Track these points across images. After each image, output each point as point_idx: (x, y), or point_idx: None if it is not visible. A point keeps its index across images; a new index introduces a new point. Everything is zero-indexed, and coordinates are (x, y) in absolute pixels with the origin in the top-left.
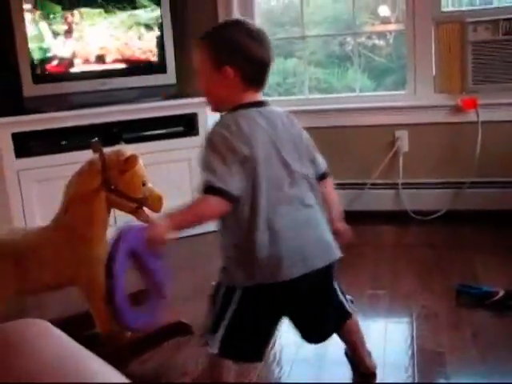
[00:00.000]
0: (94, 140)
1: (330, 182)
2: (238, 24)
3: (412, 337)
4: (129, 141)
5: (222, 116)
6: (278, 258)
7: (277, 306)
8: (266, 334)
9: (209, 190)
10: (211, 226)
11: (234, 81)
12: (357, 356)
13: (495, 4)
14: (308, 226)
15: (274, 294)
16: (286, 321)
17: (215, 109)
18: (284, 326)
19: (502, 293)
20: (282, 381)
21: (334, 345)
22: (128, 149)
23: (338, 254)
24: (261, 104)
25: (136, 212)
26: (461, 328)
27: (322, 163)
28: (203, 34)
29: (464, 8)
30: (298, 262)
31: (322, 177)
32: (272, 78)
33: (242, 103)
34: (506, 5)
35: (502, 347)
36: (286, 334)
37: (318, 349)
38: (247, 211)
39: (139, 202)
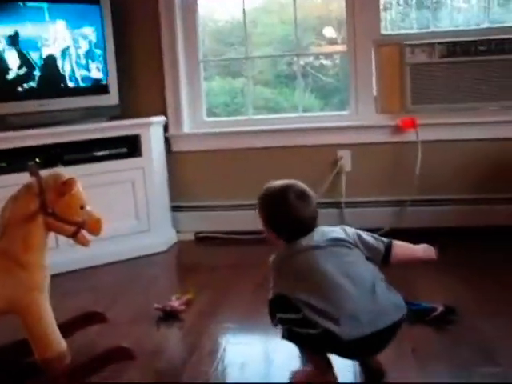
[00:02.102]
0: (30, 163)
1: None
2: (286, 191)
3: None
4: (71, 163)
5: None
6: None
7: None
8: None
9: None
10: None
11: (280, 241)
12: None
13: (432, 28)
14: None
15: None
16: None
17: None
18: (228, 345)
19: (440, 308)
20: None
21: (277, 366)
22: (70, 171)
23: None
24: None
25: (75, 235)
26: (401, 344)
27: None
28: (260, 195)
29: (402, 31)
30: None
31: None
32: (220, 98)
33: None
34: (441, 29)
35: (440, 361)
36: (230, 354)
37: (261, 370)
38: None
39: (78, 225)
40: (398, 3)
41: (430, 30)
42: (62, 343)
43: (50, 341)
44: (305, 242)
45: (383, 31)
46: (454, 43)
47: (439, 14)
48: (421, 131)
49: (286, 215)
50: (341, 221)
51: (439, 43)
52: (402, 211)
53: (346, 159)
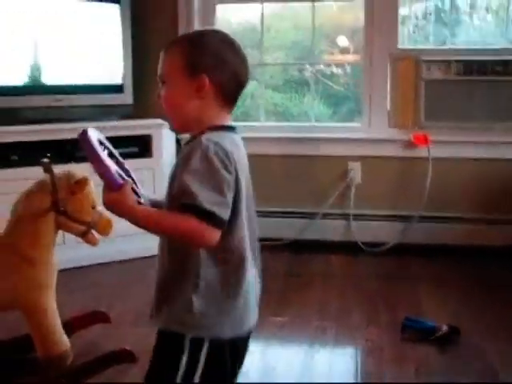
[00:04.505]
0: (44, 160)
1: None
2: (218, 33)
3: (356, 371)
4: (82, 160)
5: (207, 134)
6: (249, 303)
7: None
8: None
9: (198, 212)
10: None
11: (208, 94)
12: None
13: (448, 45)
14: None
15: (237, 347)
16: None
17: (179, 126)
18: None
19: (445, 328)
20: None
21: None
22: (81, 168)
23: None
24: (234, 130)
25: (84, 235)
26: (404, 363)
27: None
28: (176, 38)
29: (419, 46)
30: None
31: None
32: None
33: (218, 125)
34: (458, 47)
35: (443, 381)
36: None
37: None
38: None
39: (88, 225)
40: (416, 17)
41: (446, 47)
42: (65, 342)
43: (54, 339)
44: (239, 146)
45: (400, 45)
46: (471, 62)
47: (456, 30)
48: (432, 148)
49: (239, 66)
50: (348, 233)
51: (456, 61)
52: (408, 226)
53: (356, 171)
